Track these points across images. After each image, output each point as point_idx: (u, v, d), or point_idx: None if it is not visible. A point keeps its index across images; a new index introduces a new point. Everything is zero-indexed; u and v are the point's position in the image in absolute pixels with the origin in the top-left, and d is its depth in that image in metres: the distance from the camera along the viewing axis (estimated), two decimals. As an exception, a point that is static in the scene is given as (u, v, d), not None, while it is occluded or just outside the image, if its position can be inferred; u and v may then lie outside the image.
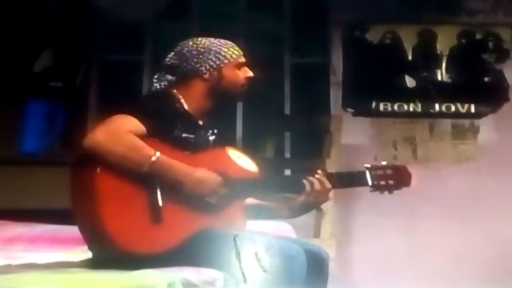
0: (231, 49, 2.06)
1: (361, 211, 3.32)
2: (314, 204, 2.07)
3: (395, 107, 3.44)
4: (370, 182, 2.01)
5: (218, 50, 2.04)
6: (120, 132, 1.84)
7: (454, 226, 3.23)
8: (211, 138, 2.07)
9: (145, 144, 1.83)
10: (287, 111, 3.46)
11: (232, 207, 1.98)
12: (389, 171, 2.03)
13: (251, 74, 2.09)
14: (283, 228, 2.45)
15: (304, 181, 1.98)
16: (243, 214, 2.05)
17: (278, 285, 1.85)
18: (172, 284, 1.71)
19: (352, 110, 3.44)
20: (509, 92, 3.45)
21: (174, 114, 1.97)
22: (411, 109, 3.44)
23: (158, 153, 1.81)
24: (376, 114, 3.43)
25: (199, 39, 2.08)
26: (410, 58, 3.49)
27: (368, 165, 2.07)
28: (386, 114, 3.44)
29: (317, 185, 1.97)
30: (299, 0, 3.49)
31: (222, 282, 1.88)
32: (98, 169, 1.81)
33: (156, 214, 1.84)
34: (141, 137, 1.85)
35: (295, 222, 2.62)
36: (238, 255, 1.86)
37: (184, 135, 1.96)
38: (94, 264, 1.96)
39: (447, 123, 3.43)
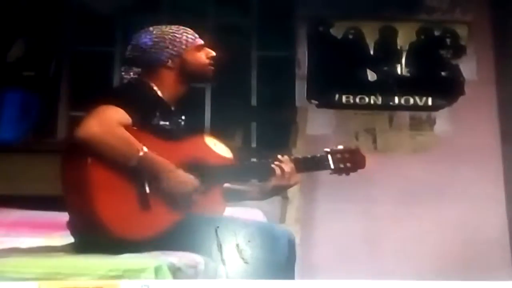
0: (185, 34, 2.10)
1: (324, 198, 3.46)
2: (284, 187, 2.16)
3: (357, 99, 3.58)
4: (332, 166, 2.17)
5: (172, 38, 2.08)
6: (112, 125, 1.89)
7: (409, 211, 3.39)
8: (181, 124, 2.15)
9: (134, 139, 1.90)
10: (253, 102, 3.59)
11: (211, 193, 2.05)
12: (346, 155, 2.15)
13: (213, 53, 2.15)
14: (254, 214, 2.56)
15: (273, 166, 2.09)
16: (222, 199, 2.12)
17: (262, 273, 1.89)
18: (159, 268, 1.77)
19: (316, 102, 3.56)
20: (464, 86, 3.62)
21: (151, 103, 2.02)
22: (372, 101, 3.58)
23: (145, 149, 1.90)
24: (339, 106, 3.56)
25: (151, 29, 2.12)
26: (371, 53, 3.63)
27: (328, 149, 2.21)
28: (348, 106, 3.57)
29: (286, 169, 2.08)
30: (266, -4, 3.63)
31: (203, 265, 1.94)
32: (89, 160, 1.87)
33: (144, 202, 1.92)
34: (127, 127, 1.92)
35: (262, 208, 2.76)
36: (219, 247, 1.92)
37: (161, 122, 2.02)
38: (76, 248, 2.01)
39: (405, 115, 3.58)
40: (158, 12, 3.56)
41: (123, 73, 2.12)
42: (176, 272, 1.81)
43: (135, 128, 1.91)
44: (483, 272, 3.35)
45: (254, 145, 3.60)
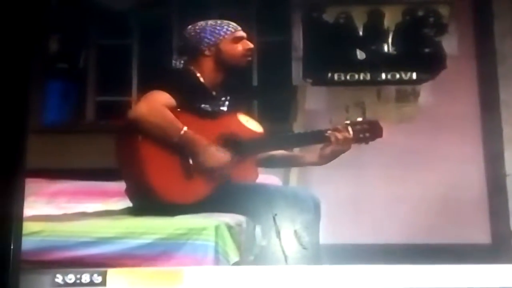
0: (226, 26, 2.41)
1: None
2: (339, 151, 2.48)
3: (348, 76, 3.93)
4: (351, 135, 2.43)
5: (212, 29, 2.39)
6: (158, 107, 2.16)
7: (396, 174, 3.73)
8: (223, 107, 2.42)
9: (176, 119, 2.17)
10: (255, 82, 4.00)
11: (245, 163, 2.34)
12: (365, 126, 2.47)
13: (250, 45, 2.46)
14: (272, 180, 2.78)
15: (328, 134, 2.41)
16: (255, 168, 2.42)
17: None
18: (218, 226, 2.05)
19: (311, 80, 3.94)
20: (446, 61, 3.92)
21: (194, 88, 2.33)
22: (361, 78, 3.92)
23: (185, 128, 2.17)
24: (331, 83, 3.91)
25: (199, 22, 2.46)
26: (360, 34, 3.98)
27: (348, 121, 2.50)
28: (340, 83, 3.91)
29: (339, 136, 2.41)
30: (264, -13, 3.99)
31: (245, 224, 2.21)
32: (140, 137, 2.18)
33: (188, 172, 2.20)
34: (172, 109, 2.20)
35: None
36: (278, 233, 2.12)
37: (202, 105, 2.32)
38: (134, 212, 2.27)
39: (392, 89, 3.91)
40: (167, 7, 3.95)
41: (173, 61, 2.42)
42: (230, 229, 2.08)
43: (179, 110, 2.18)
44: (463, 229, 3.71)
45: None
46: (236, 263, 2.07)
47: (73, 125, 3.90)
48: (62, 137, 3.78)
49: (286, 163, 2.63)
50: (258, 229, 2.26)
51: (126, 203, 2.39)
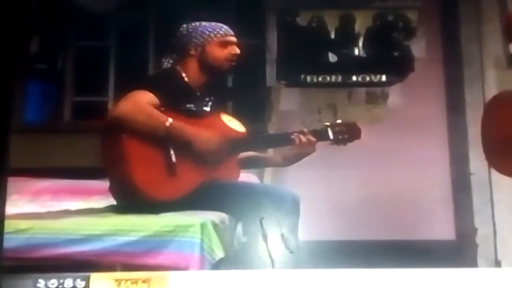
0: (217, 29, 2.40)
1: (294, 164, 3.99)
2: (303, 154, 2.51)
3: (320, 78, 4.06)
4: (331, 137, 2.50)
5: (203, 30, 2.39)
6: (140, 104, 2.15)
7: (366, 175, 3.86)
8: (206, 108, 2.40)
9: (160, 113, 2.18)
10: (230, 84, 4.08)
11: (227, 162, 2.34)
12: (344, 128, 2.52)
13: (236, 51, 2.48)
14: (252, 178, 2.81)
15: (293, 137, 2.44)
16: (237, 167, 2.41)
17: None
18: (204, 224, 2.06)
19: (284, 82, 4.06)
20: (414, 64, 4.06)
21: (179, 88, 2.32)
22: (333, 80, 4.05)
23: (170, 120, 2.16)
24: (304, 85, 4.04)
25: (194, 23, 2.43)
26: (332, 37, 4.10)
27: (328, 123, 2.56)
28: (312, 85, 4.04)
29: (303, 139, 2.44)
30: (240, -9, 4.10)
31: (228, 221, 2.23)
32: (124, 135, 2.16)
33: (171, 169, 2.20)
34: (156, 108, 2.18)
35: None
36: (265, 237, 2.12)
37: (187, 105, 2.31)
38: (118, 210, 2.28)
39: (362, 91, 4.05)
40: (146, 9, 4.07)
41: (164, 59, 2.41)
42: (215, 227, 2.09)
43: (163, 109, 2.18)
44: (429, 226, 3.86)
45: (232, 121, 4.12)
46: (221, 260, 2.10)
47: (51, 125, 3.99)
48: (42, 136, 3.85)
49: (259, 164, 2.67)
50: (239, 227, 2.33)
51: (108, 201, 2.43)
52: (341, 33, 4.11)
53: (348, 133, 2.52)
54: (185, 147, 2.19)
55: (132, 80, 3.88)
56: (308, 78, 4.06)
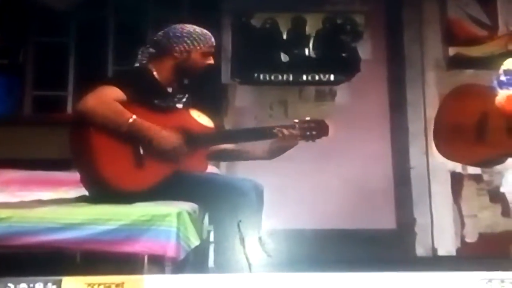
0: (207, 39, 2.36)
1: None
2: (286, 147, 2.49)
3: (272, 77, 4.27)
4: (299, 133, 2.44)
5: (196, 37, 2.34)
6: (106, 99, 2.14)
7: (315, 167, 4.06)
8: (178, 104, 2.39)
9: (125, 109, 2.16)
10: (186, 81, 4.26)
11: (195, 155, 2.32)
12: (312, 124, 2.48)
13: (212, 62, 2.42)
14: (212, 169, 2.73)
15: (276, 130, 2.41)
16: (205, 160, 2.41)
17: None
18: (180, 213, 2.05)
19: (239, 80, 4.25)
20: (360, 64, 4.31)
21: (148, 84, 2.28)
22: (284, 78, 4.26)
23: (134, 116, 2.16)
24: (257, 82, 4.25)
25: (187, 25, 2.37)
26: (285, 38, 4.33)
27: (297, 120, 2.42)
28: (265, 83, 4.25)
29: (286, 133, 2.41)
30: (196, -8, 4.25)
31: (198, 211, 2.23)
32: (91, 128, 2.16)
33: (138, 161, 2.21)
34: (123, 103, 2.16)
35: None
36: (242, 240, 2.09)
37: (156, 101, 2.28)
38: (90, 200, 2.28)
39: (312, 89, 4.28)
40: (105, 10, 4.20)
41: (140, 52, 2.39)
42: (190, 216, 2.09)
43: (131, 104, 2.18)
44: (372, 215, 4.10)
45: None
46: (196, 247, 2.15)
47: (13, 117, 4.07)
48: (3, 129, 3.90)
49: (236, 157, 2.66)
50: (206, 217, 2.41)
51: (79, 191, 2.48)
52: (293, 34, 4.33)
53: (317, 130, 2.52)
54: (146, 144, 2.23)
55: (91, 75, 4.05)
56: (261, 76, 4.26)
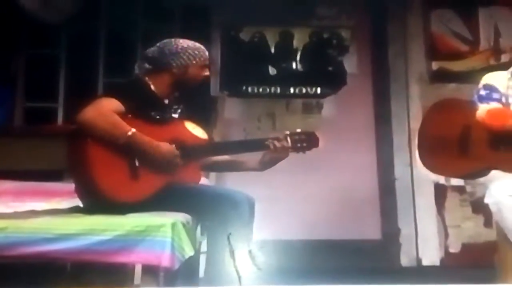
0: (202, 53, 2.41)
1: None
2: (278, 159, 2.52)
3: (260, 89, 4.35)
4: (290, 145, 2.48)
5: (191, 52, 2.39)
6: (105, 111, 2.17)
7: (302, 179, 4.13)
8: (174, 114, 2.45)
9: (123, 122, 2.19)
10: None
11: (190, 166, 2.36)
12: (303, 136, 2.51)
13: (208, 74, 2.48)
14: (203, 181, 2.71)
15: (268, 142, 2.45)
16: (199, 171, 2.44)
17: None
18: (174, 224, 2.08)
19: (227, 92, 4.33)
20: (347, 78, 4.41)
21: (145, 97, 2.33)
22: (272, 91, 4.35)
23: (133, 130, 2.19)
24: (246, 95, 4.32)
25: (180, 40, 2.42)
26: (272, 52, 4.41)
27: (288, 132, 2.46)
28: (253, 95, 4.33)
29: (278, 145, 2.45)
30: (187, 7, 4.31)
31: (191, 222, 2.25)
32: (89, 140, 2.19)
33: (134, 173, 2.23)
34: (121, 115, 2.19)
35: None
36: (232, 253, 2.10)
37: (152, 113, 2.32)
38: (85, 211, 2.30)
39: (299, 101, 4.36)
40: (97, 22, 4.26)
41: (136, 66, 2.43)
42: (184, 226, 2.12)
43: (129, 116, 2.22)
44: (357, 226, 4.17)
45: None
46: (190, 257, 2.17)
47: (4, 129, 4.10)
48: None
49: (228, 168, 2.69)
50: (199, 227, 2.43)
51: (72, 202, 2.50)
52: (281, 48, 4.41)
53: (307, 141, 2.55)
54: (142, 157, 2.27)
55: (82, 87, 4.08)
56: (250, 89, 4.34)
